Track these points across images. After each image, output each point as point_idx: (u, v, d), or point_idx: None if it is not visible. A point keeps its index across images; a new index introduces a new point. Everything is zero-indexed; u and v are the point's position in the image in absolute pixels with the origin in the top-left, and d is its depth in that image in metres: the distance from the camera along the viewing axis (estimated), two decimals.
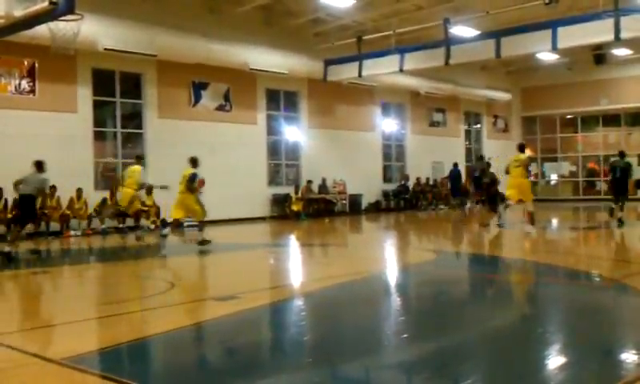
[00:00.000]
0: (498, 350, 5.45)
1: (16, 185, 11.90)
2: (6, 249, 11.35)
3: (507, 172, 15.38)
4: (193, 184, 12.57)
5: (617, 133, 31.04)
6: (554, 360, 5.09)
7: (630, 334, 5.96)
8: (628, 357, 5.15)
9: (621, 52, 26.13)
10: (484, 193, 20.35)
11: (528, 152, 17.14)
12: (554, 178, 32.35)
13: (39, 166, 11.93)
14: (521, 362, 4.91)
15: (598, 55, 26.58)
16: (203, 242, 12.74)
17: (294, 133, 22.63)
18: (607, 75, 28.47)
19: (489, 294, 8.83)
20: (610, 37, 16.91)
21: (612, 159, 22.13)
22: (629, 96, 28.31)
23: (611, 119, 30.86)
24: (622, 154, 19.53)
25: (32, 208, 12.13)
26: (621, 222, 16.33)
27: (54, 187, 15.03)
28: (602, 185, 30.04)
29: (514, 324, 6.53)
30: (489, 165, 20.57)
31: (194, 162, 12.91)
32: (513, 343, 5.59)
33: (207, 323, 6.63)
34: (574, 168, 31.51)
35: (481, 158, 23.19)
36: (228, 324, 6.45)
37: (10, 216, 14.84)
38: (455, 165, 24.08)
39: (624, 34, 16.58)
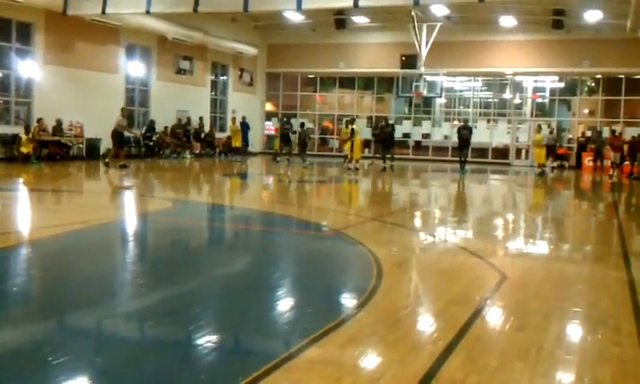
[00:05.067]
0: (230, 295, 5.69)
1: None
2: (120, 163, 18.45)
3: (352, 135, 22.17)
4: None
5: (351, 95, 33.42)
6: (280, 303, 5.50)
7: (343, 277, 6.61)
8: (341, 298, 5.75)
9: (359, 19, 28.06)
10: None
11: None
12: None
13: (122, 111, 19.73)
14: (249, 305, 5.19)
15: (339, 20, 28.25)
16: None
17: (26, 68, 20.73)
18: (346, 40, 30.26)
19: (224, 242, 9.10)
20: (350, 3, 18.19)
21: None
22: (363, 61, 30.43)
23: (347, 82, 33.11)
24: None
25: (118, 138, 19.32)
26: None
27: None
28: (335, 142, 32.21)
29: (246, 271, 6.84)
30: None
31: None
32: (243, 289, 5.86)
33: None
34: (311, 125, 33.22)
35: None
36: None
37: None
38: (244, 118, 27.28)
39: (362, 2, 17.94)
